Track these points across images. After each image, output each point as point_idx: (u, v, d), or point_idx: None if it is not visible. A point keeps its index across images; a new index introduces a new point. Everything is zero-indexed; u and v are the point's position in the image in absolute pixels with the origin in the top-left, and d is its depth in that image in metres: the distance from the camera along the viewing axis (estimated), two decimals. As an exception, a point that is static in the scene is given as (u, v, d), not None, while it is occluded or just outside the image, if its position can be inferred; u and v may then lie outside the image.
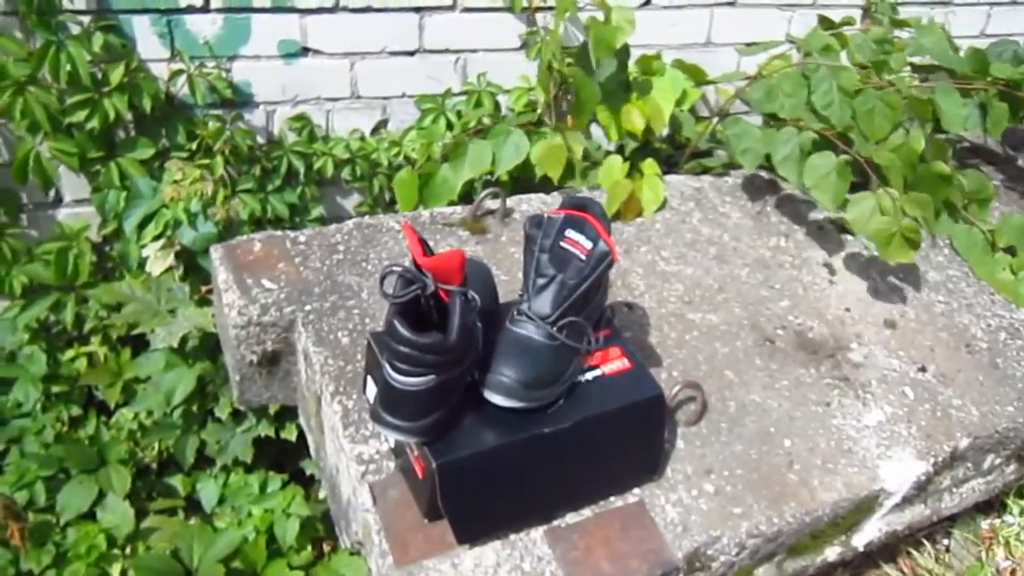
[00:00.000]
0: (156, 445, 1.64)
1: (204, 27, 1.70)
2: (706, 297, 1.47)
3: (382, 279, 0.95)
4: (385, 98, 1.93)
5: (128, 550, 1.46)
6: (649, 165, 1.70)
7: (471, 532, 1.05)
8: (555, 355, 1.06)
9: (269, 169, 1.82)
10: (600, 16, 1.59)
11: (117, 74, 1.59)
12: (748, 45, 1.95)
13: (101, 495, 1.50)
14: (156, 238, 1.51)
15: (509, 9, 1.91)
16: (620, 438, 1.11)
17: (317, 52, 1.82)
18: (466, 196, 1.82)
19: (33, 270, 1.66)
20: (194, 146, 1.72)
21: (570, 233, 1.07)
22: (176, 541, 1.42)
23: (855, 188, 1.53)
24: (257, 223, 1.82)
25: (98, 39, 1.57)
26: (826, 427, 1.28)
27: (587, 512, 1.12)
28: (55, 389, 1.67)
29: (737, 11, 2.14)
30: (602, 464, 1.12)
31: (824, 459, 1.23)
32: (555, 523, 1.10)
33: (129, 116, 1.70)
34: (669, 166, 1.93)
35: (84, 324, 1.65)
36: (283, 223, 1.83)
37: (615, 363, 1.14)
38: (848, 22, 1.87)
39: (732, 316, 1.44)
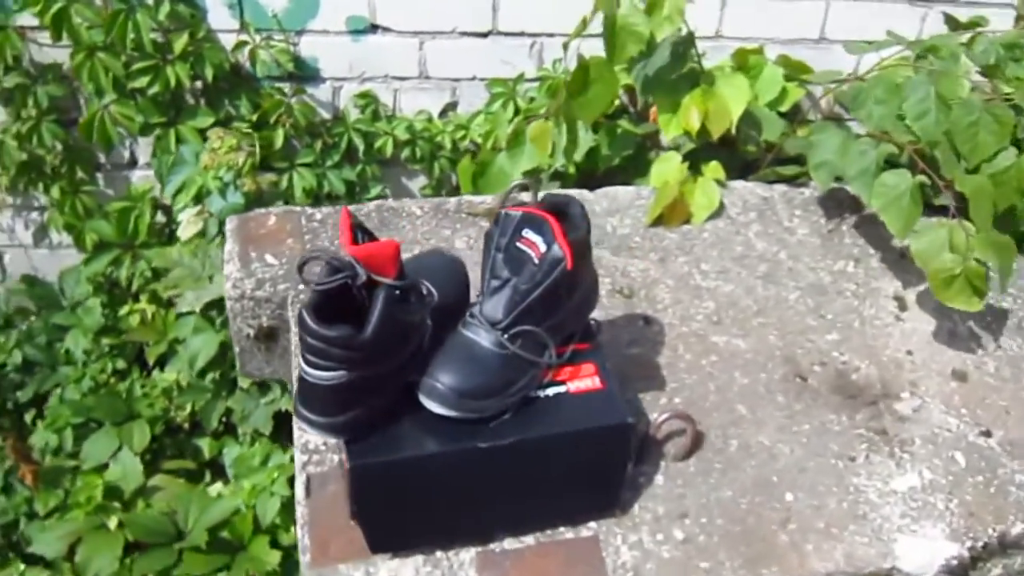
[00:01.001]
0: (188, 406, 1.68)
1: (273, 0, 1.72)
2: (739, 319, 1.31)
3: (300, 266, 0.90)
4: (455, 80, 1.88)
5: (138, 505, 1.51)
6: (713, 168, 1.54)
7: (386, 543, 0.98)
8: (503, 365, 0.96)
9: (330, 145, 1.82)
10: (639, 4, 1.45)
11: (180, 43, 1.64)
12: (864, 43, 1.73)
13: (121, 448, 1.56)
14: (190, 204, 1.53)
15: (592, -7, 1.79)
16: (573, 465, 1.00)
17: (386, 29, 1.79)
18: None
19: (99, 226, 1.74)
20: (255, 118, 1.75)
21: (527, 233, 0.96)
22: (175, 503, 1.45)
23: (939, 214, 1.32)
24: (316, 198, 1.83)
25: (164, 8, 1.61)
26: (842, 485, 1.10)
27: (530, 540, 1.01)
28: (109, 342, 1.75)
29: (858, 4, 1.91)
30: (549, 490, 1.01)
31: (829, 522, 1.06)
32: (491, 547, 1.01)
33: (199, 85, 1.76)
34: (753, 171, 1.76)
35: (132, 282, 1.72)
36: (339, 199, 1.83)
37: (584, 381, 1.03)
38: (976, 23, 1.61)
39: (764, 344, 1.28)
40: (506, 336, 0.96)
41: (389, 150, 1.82)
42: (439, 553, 0.99)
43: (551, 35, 1.84)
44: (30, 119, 1.68)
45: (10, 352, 1.71)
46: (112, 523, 1.40)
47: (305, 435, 1.09)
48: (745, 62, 1.78)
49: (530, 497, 1.01)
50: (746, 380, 1.23)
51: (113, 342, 1.73)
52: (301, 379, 0.92)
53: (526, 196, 1.50)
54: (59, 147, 1.74)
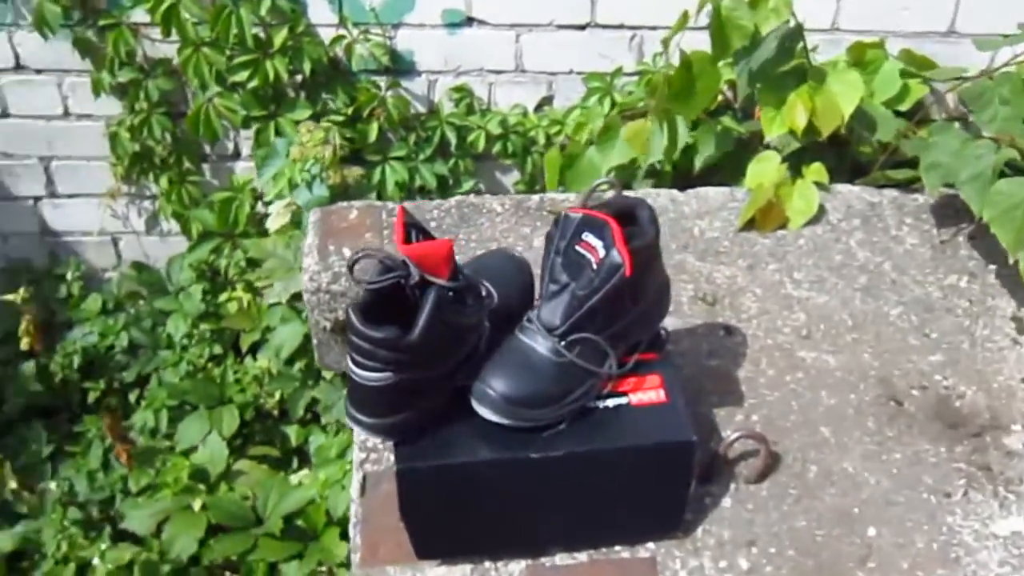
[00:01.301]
0: (277, 394, 1.72)
1: (371, -6, 1.73)
2: (832, 335, 1.22)
3: (351, 265, 0.89)
4: (551, 74, 1.84)
5: (221, 488, 1.55)
6: (815, 170, 1.44)
7: (432, 549, 0.96)
8: (560, 373, 0.93)
9: (423, 138, 1.82)
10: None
11: (280, 37, 1.67)
12: (998, 38, 1.58)
13: (211, 432, 1.61)
14: (280, 196, 1.56)
15: (697, -17, 1.71)
16: (630, 481, 0.95)
17: (482, 22, 1.77)
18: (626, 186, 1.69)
19: (202, 216, 1.81)
20: (350, 111, 1.76)
21: (587, 236, 0.92)
22: (256, 489, 1.48)
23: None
24: (408, 192, 1.84)
25: (266, 3, 1.64)
26: (934, 523, 1.00)
27: (583, 556, 0.97)
28: (208, 327, 1.81)
29: (994, -8, 1.75)
30: (605, 506, 0.96)
31: (915, 563, 0.97)
32: (542, 560, 0.97)
33: (299, 78, 1.79)
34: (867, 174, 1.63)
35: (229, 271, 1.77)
36: (430, 193, 1.83)
37: (648, 394, 0.97)
38: None
39: (857, 362, 1.18)
40: (563, 343, 0.93)
41: (481, 144, 1.81)
42: (487, 563, 0.97)
43: (652, 28, 1.77)
44: (142, 112, 1.77)
45: (118, 334, 1.80)
46: (196, 505, 1.45)
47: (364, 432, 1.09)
48: (862, 57, 1.66)
49: (584, 512, 0.96)
50: (833, 400, 1.13)
51: (212, 328, 1.79)
52: (349, 378, 0.91)
53: (613, 194, 1.45)
54: (168, 139, 1.81)
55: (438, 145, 1.81)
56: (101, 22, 1.71)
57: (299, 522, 1.43)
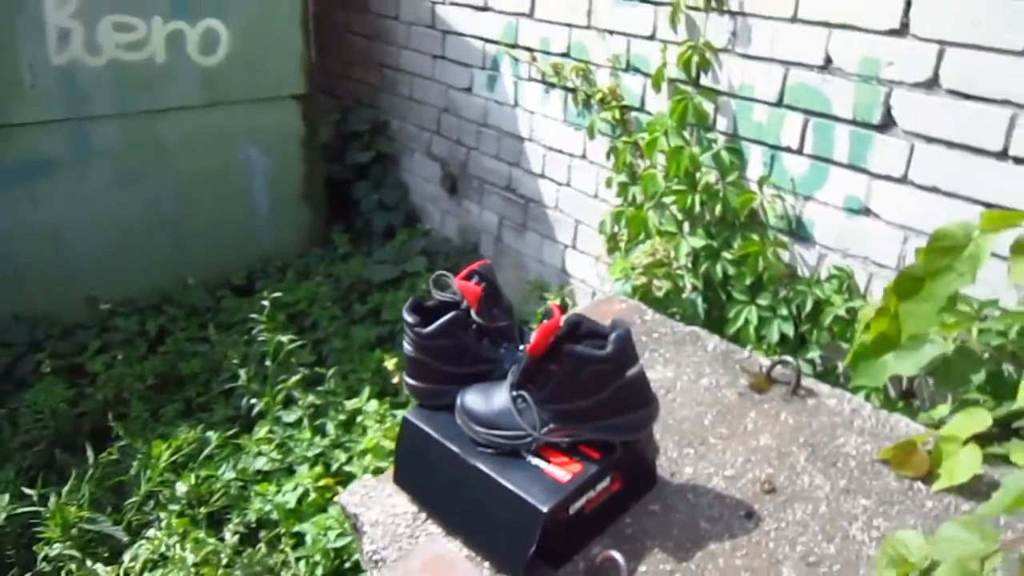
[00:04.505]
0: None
1: (794, 166, 1.98)
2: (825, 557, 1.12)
3: (434, 279, 1.35)
4: (926, 285, 1.78)
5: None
6: (1017, 452, 1.22)
7: (400, 480, 1.35)
8: (501, 411, 1.23)
9: (789, 298, 1.98)
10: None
11: (704, 180, 2.07)
12: None
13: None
14: (616, 281, 1.98)
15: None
16: (502, 517, 1.19)
17: (876, 216, 1.85)
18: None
19: (617, 287, 2.32)
20: (737, 254, 2.05)
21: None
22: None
23: None
24: (758, 337, 2.03)
25: (711, 151, 2.06)
26: None
27: (464, 552, 1.24)
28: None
29: None
30: (486, 525, 1.22)
31: None
32: (444, 538, 1.27)
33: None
34: None
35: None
36: (770, 347, 1.98)
37: (561, 471, 1.19)
38: None
39: (820, 609, 1.08)
40: (513, 393, 1.23)
41: (827, 321, 1.88)
42: (421, 513, 1.31)
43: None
44: (622, 207, 2.37)
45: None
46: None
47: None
48: None
49: (477, 521, 1.24)
50: (753, 613, 1.09)
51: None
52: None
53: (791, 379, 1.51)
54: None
55: (796, 308, 1.95)
56: (623, 138, 2.37)
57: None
